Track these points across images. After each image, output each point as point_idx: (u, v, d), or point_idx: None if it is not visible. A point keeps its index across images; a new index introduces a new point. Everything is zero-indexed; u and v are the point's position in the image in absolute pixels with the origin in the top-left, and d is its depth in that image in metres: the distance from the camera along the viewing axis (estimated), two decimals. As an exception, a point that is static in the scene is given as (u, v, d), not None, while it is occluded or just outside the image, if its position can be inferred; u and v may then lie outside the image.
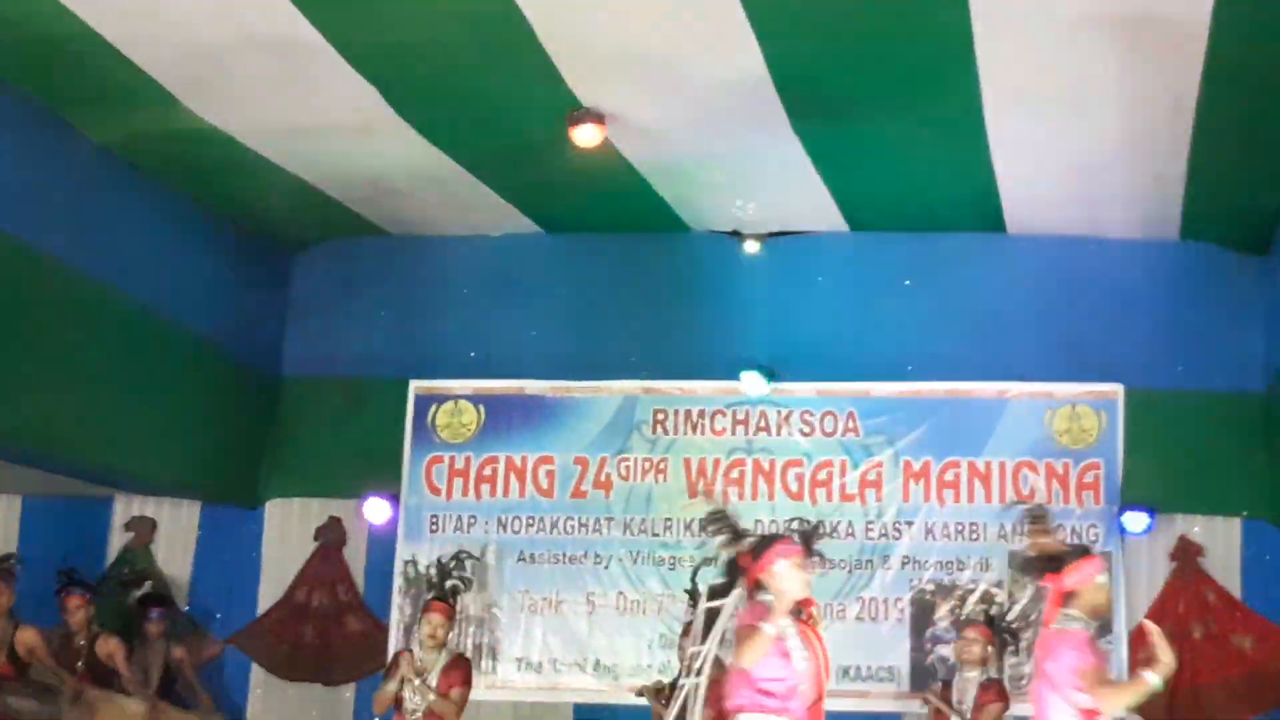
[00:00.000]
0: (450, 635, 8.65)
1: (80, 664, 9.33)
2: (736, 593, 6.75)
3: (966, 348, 10.29)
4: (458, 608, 8.95)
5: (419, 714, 8.37)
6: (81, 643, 9.42)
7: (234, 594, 10.73)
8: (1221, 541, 10.03)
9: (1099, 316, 10.25)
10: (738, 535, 6.72)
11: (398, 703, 8.42)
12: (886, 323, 10.42)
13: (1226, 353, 10.14)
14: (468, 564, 9.08)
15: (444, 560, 8.95)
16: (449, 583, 8.73)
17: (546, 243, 10.87)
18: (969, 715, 8.73)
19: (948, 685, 9.08)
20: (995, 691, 8.77)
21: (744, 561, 6.58)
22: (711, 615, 6.99)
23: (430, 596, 8.70)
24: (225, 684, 10.47)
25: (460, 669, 8.56)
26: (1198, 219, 9.87)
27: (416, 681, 8.37)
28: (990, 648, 8.94)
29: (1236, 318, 10.15)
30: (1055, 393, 10.23)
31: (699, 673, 7.02)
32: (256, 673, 10.71)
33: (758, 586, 6.49)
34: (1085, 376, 10.19)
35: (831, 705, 9.56)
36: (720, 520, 6.75)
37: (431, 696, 8.36)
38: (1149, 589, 10.01)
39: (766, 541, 6.63)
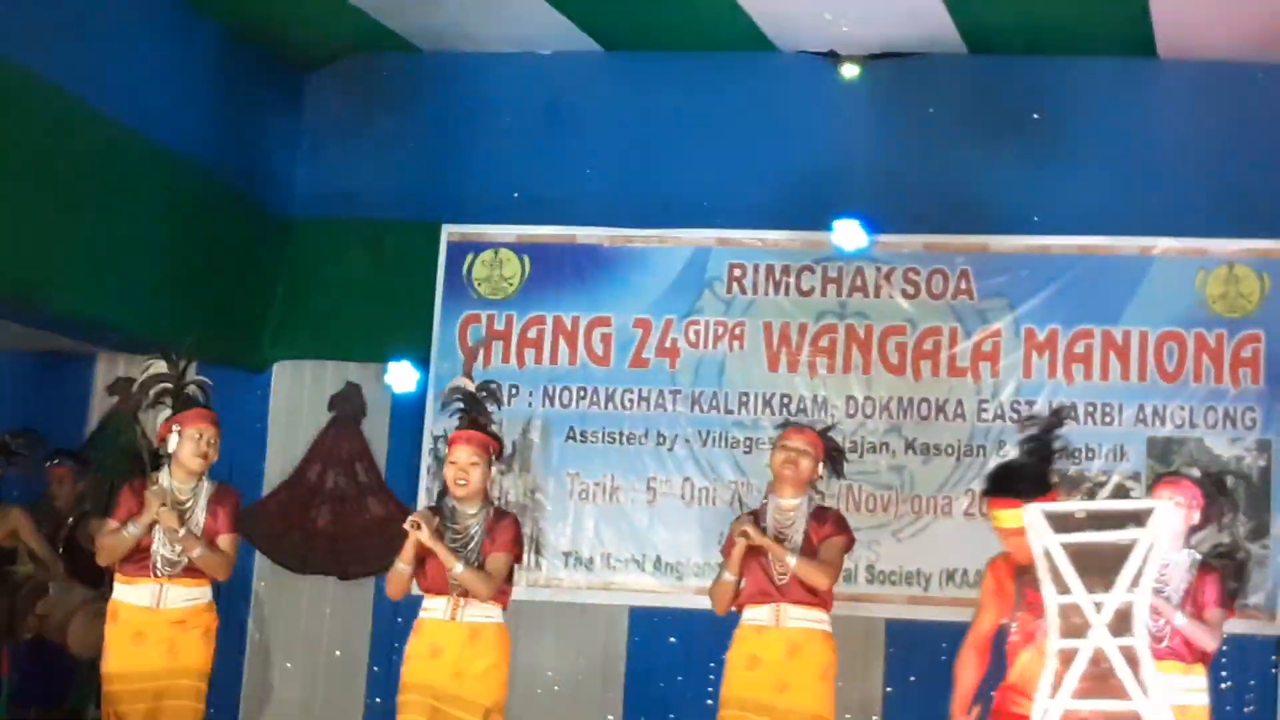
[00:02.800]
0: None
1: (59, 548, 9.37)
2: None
3: (1105, 195, 9.95)
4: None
5: (176, 568, 7.12)
6: (70, 521, 9.52)
7: (235, 471, 10.24)
8: (1407, 433, 9.53)
9: (1266, 159, 9.79)
10: None
11: (138, 551, 7.12)
12: (1009, 164, 10.03)
13: None
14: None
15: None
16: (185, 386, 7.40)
17: (605, 63, 10.68)
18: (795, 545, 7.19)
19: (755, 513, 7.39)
20: (833, 523, 7.28)
21: None
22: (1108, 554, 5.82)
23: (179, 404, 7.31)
24: (224, 576, 10.30)
25: (231, 501, 7.33)
26: (1392, 40, 9.32)
27: (181, 531, 7.03)
28: (822, 464, 7.37)
29: None
30: (1210, 250, 9.81)
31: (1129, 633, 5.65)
32: (261, 563, 10.54)
33: None
34: (1247, 232, 9.77)
35: (932, 615, 9.49)
36: None
37: (198, 551, 7.08)
38: (1315, 485, 9.55)
39: None
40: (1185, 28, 9.62)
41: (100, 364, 10.82)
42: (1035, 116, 10.19)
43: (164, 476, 7.24)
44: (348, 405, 10.66)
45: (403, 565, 6.97)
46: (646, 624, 10.13)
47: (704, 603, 8.56)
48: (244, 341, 10.65)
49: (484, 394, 7.33)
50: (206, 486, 7.28)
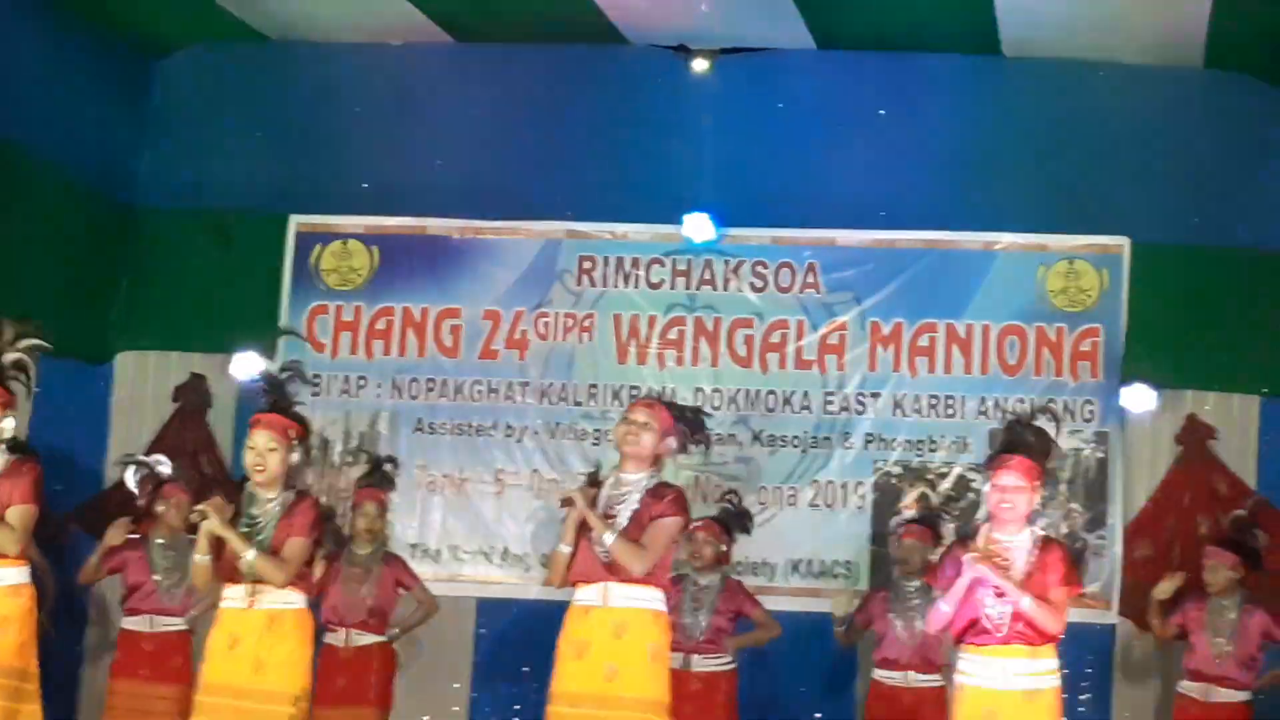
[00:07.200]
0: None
1: None
2: None
3: (949, 191, 10.06)
4: None
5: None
6: None
7: (76, 463, 10.30)
8: (1236, 423, 9.79)
9: (1105, 157, 9.98)
10: None
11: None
12: (856, 159, 10.14)
13: (1251, 204, 9.81)
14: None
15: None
16: None
17: (456, 54, 10.58)
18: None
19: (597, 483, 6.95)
20: (667, 502, 6.70)
21: None
22: None
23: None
24: (65, 568, 9.71)
25: (23, 474, 6.84)
26: (1225, 43, 9.55)
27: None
28: (672, 439, 6.89)
29: (1265, 163, 9.81)
30: (1050, 245, 10.00)
31: None
32: (104, 555, 10.38)
33: None
34: (1086, 228, 9.97)
35: (779, 605, 9.57)
36: None
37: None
38: (1150, 476, 9.83)
39: None
40: (1029, 26, 9.71)
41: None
42: (881, 112, 10.27)
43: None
44: (193, 396, 10.55)
45: (199, 556, 6.56)
46: (493, 616, 10.14)
47: (552, 594, 8.51)
48: (87, 332, 10.45)
49: (286, 375, 6.90)
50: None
